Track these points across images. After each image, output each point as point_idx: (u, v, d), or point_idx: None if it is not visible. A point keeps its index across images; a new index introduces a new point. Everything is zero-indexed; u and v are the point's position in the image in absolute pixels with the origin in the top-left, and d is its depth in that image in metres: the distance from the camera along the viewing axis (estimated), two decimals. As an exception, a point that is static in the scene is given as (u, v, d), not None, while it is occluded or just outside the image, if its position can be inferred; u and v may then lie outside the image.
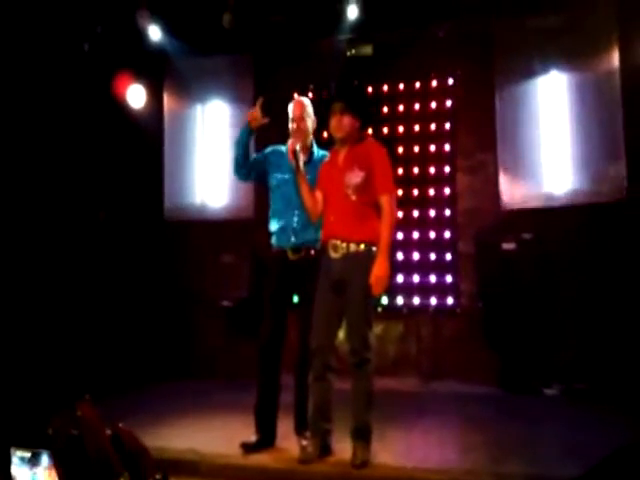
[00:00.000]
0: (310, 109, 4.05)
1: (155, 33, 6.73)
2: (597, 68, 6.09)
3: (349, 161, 3.67)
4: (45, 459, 0.90)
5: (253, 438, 3.82)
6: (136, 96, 7.05)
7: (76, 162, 6.39)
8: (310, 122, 4.02)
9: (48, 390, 4.62)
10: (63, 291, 5.94)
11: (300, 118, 3.97)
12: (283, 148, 3.94)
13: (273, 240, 3.99)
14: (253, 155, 4.10)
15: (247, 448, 3.74)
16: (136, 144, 7.05)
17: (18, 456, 1.05)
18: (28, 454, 0.96)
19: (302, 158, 3.71)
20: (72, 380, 4.99)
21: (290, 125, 3.99)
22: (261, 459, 3.67)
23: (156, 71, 7.41)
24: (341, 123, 3.69)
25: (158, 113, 7.48)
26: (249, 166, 4.02)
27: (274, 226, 3.99)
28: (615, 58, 5.98)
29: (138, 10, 6.45)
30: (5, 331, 5.13)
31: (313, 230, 3.87)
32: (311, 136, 4.04)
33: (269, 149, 4.10)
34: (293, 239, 3.88)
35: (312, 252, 3.89)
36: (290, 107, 4.05)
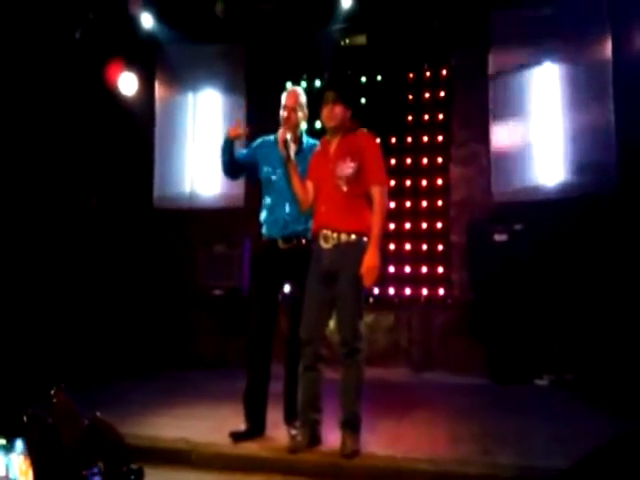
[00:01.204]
0: (303, 99, 4.02)
1: (147, 21, 6.69)
2: (590, 59, 6.09)
3: (341, 151, 3.65)
4: (20, 446, 0.89)
5: (242, 427, 3.82)
6: (128, 84, 7.02)
7: (68, 149, 6.36)
8: (301, 113, 3.99)
9: (24, 378, 4.60)
10: (49, 279, 5.92)
11: (292, 108, 3.95)
12: (272, 137, 3.93)
13: (263, 230, 3.98)
14: (242, 151, 4.11)
15: (236, 437, 3.74)
16: (127, 132, 7.02)
17: None
18: (3, 441, 0.95)
19: (293, 148, 3.69)
20: (48, 369, 4.96)
21: (281, 113, 3.97)
22: (251, 448, 3.67)
23: (148, 59, 7.37)
24: (333, 112, 3.67)
25: (149, 101, 7.45)
26: (237, 167, 4.09)
27: (265, 217, 3.98)
28: (608, 50, 5.99)
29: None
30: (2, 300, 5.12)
31: (304, 220, 3.87)
32: (302, 126, 4.02)
33: (258, 141, 4.08)
34: (283, 230, 3.87)
35: (303, 241, 3.88)
36: (283, 96, 4.02)
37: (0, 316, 5.23)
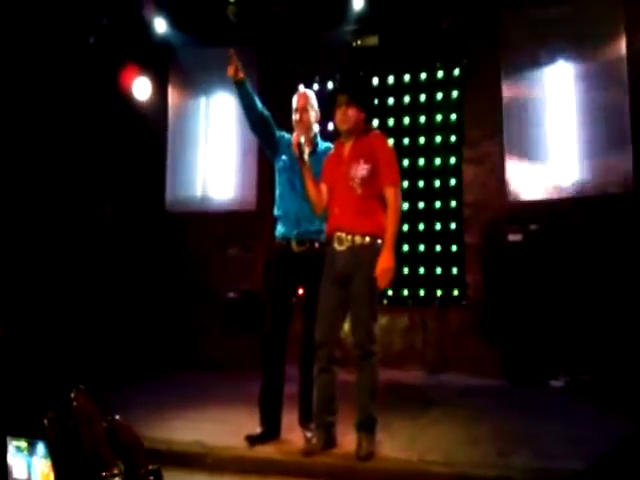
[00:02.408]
0: (314, 101, 4.03)
1: (160, 25, 6.74)
2: (604, 58, 6.04)
3: (354, 154, 3.65)
4: (41, 448, 0.90)
5: (258, 430, 3.83)
6: (141, 88, 7.07)
7: (82, 154, 6.40)
8: (313, 114, 4.00)
9: (44, 381, 4.64)
10: (66, 282, 5.97)
11: (303, 109, 3.95)
12: (287, 137, 3.94)
13: (277, 230, 3.98)
14: (265, 111, 3.97)
15: (252, 440, 3.75)
16: (140, 136, 7.06)
17: (14, 445, 1.06)
18: (24, 443, 0.96)
19: (307, 151, 3.69)
20: (68, 371, 5.01)
21: (293, 116, 3.98)
22: (266, 451, 3.68)
23: (161, 63, 7.42)
24: (346, 115, 3.67)
25: (162, 105, 7.49)
26: (263, 119, 3.92)
27: (278, 210, 3.99)
28: (622, 47, 5.94)
29: (143, 2, 6.45)
30: (4, 322, 5.16)
31: (318, 221, 3.87)
32: (315, 128, 4.03)
33: (282, 133, 4.07)
34: (296, 229, 3.87)
35: (317, 245, 3.88)
36: (294, 99, 4.03)
37: (18, 320, 5.28)
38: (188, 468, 3.50)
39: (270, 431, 3.85)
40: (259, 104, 3.90)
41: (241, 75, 3.78)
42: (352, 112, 3.67)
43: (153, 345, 6.65)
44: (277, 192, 4.03)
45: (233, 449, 3.71)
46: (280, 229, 3.96)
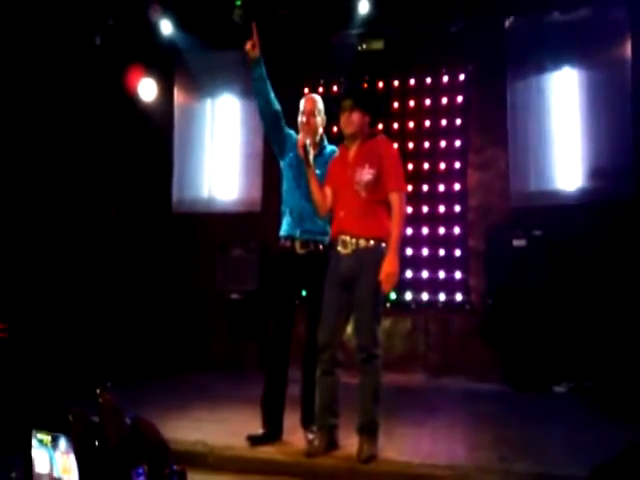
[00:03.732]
0: (321, 105, 4.05)
1: (166, 27, 6.76)
2: (608, 65, 6.05)
3: (359, 158, 3.66)
4: (64, 443, 0.91)
5: (260, 431, 3.84)
6: (147, 90, 7.09)
7: (88, 155, 6.42)
8: (320, 119, 4.02)
9: (70, 377, 4.67)
10: (77, 284, 6.00)
11: (310, 113, 3.97)
12: (295, 135, 3.96)
13: (282, 227, 3.99)
14: (277, 104, 3.96)
15: (254, 441, 3.76)
16: (146, 137, 7.08)
17: (38, 438, 1.07)
18: (48, 437, 0.97)
19: (312, 153, 3.71)
20: (94, 368, 5.05)
21: (299, 119, 4.00)
22: (268, 452, 3.68)
23: (167, 65, 7.44)
24: (351, 119, 3.69)
25: (168, 107, 7.51)
26: (272, 105, 3.91)
27: (284, 206, 4.01)
28: (627, 55, 5.95)
29: (150, 4, 6.47)
30: (29, 320, 5.20)
31: (321, 221, 3.88)
32: (321, 132, 4.04)
33: (291, 131, 4.07)
34: (299, 227, 3.88)
35: (321, 247, 3.90)
36: (301, 102, 4.05)
37: (41, 320, 5.33)
38: (190, 467, 3.48)
39: (272, 433, 3.85)
40: (272, 92, 3.91)
41: (257, 52, 3.81)
42: (356, 116, 3.69)
43: (157, 345, 6.66)
44: (283, 188, 4.06)
45: (235, 449, 3.71)
46: (284, 227, 3.97)
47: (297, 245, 3.90)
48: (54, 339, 5.48)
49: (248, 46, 3.81)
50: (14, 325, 5.09)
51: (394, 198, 3.58)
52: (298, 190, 3.91)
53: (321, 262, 3.76)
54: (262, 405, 3.91)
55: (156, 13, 6.63)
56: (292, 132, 4.06)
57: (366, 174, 3.59)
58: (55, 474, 0.93)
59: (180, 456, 3.54)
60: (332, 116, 4.05)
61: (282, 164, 4.08)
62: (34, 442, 1.11)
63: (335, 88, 6.98)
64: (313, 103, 4.01)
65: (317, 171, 3.77)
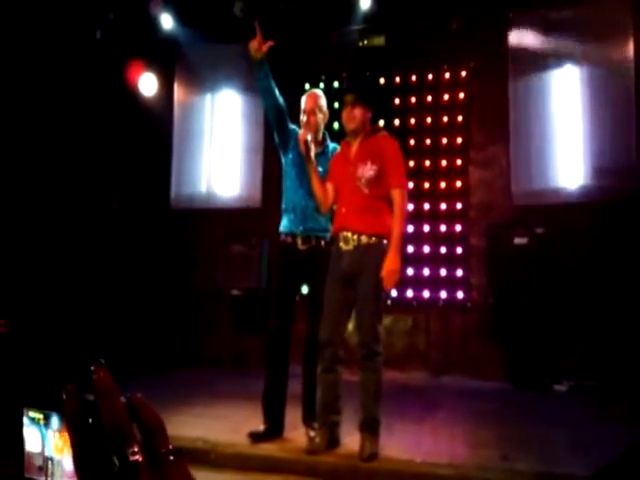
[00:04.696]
0: (323, 101, 4.02)
1: (167, 21, 6.73)
2: (611, 62, 6.02)
3: (361, 154, 3.65)
4: (55, 421, 0.88)
5: (261, 427, 3.82)
6: (147, 84, 7.06)
7: (88, 149, 6.40)
8: (322, 116, 3.99)
9: (63, 354, 4.65)
10: (78, 279, 5.99)
11: (312, 110, 3.95)
12: (298, 131, 3.94)
13: (282, 224, 3.96)
14: (281, 98, 3.91)
15: (255, 437, 3.75)
16: (146, 132, 7.05)
17: (29, 416, 1.05)
18: (39, 415, 0.95)
19: (313, 149, 3.68)
20: (87, 349, 5.04)
21: (301, 117, 3.98)
22: (269, 449, 3.67)
23: (167, 59, 7.40)
24: (352, 115, 3.67)
25: (169, 101, 7.48)
26: (277, 101, 3.87)
27: (285, 203, 3.98)
28: (630, 52, 5.91)
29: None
30: (29, 315, 5.19)
31: (323, 219, 3.86)
32: (322, 128, 4.01)
33: (294, 126, 4.04)
34: (302, 225, 3.86)
35: (322, 243, 3.88)
36: (303, 99, 4.03)
37: (27, 312, 5.32)
38: (191, 464, 3.45)
39: (274, 429, 3.84)
40: (276, 89, 3.87)
41: (263, 51, 3.73)
42: (358, 112, 3.67)
43: (158, 341, 6.65)
44: (285, 185, 4.02)
45: (236, 446, 3.71)
46: (286, 223, 3.95)
47: (299, 241, 3.88)
48: (54, 334, 5.46)
49: (255, 45, 3.71)
50: (14, 320, 5.08)
51: (396, 195, 3.56)
52: (301, 188, 3.88)
53: (322, 258, 3.74)
54: (263, 401, 3.90)
55: (156, 7, 6.61)
56: (295, 128, 4.03)
57: (368, 170, 3.58)
58: (47, 453, 0.91)
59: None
60: (334, 111, 4.02)
61: (284, 161, 4.05)
62: (25, 420, 1.09)
63: (336, 84, 6.94)
64: (314, 100, 3.98)
65: (320, 169, 3.75)
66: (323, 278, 3.67)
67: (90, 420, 0.71)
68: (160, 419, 0.73)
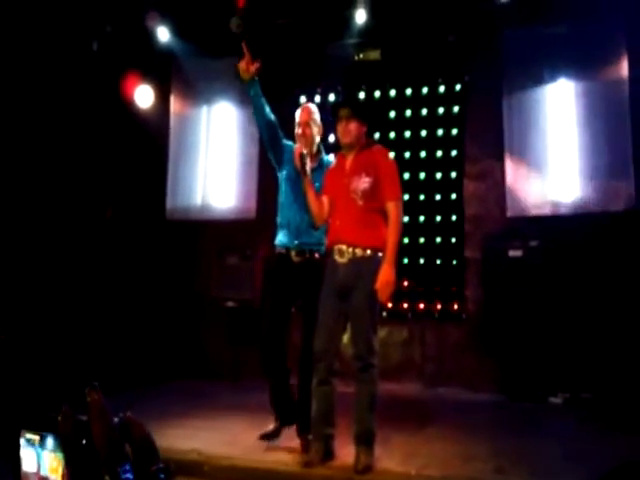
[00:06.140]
0: (317, 115, 4.05)
1: (163, 34, 6.76)
2: (605, 77, 6.06)
3: (356, 167, 3.67)
4: (51, 442, 0.90)
5: (270, 427, 3.84)
6: (143, 96, 7.08)
7: (84, 160, 6.41)
8: (316, 129, 4.01)
9: (59, 377, 4.64)
10: (70, 286, 5.98)
11: (306, 123, 3.97)
12: (292, 146, 3.97)
13: (277, 238, 3.98)
14: (272, 115, 3.93)
15: (267, 438, 3.79)
16: (142, 144, 7.07)
17: (26, 438, 1.06)
18: (36, 437, 0.96)
19: (309, 163, 3.70)
20: (82, 368, 5.02)
21: (296, 130, 4.00)
22: (264, 462, 3.67)
23: (164, 72, 7.43)
24: (347, 129, 3.70)
25: (165, 113, 7.49)
26: (269, 119, 3.88)
27: (280, 218, 3.99)
28: (624, 67, 5.96)
29: (147, 11, 6.48)
30: (18, 321, 5.18)
31: (317, 234, 3.88)
32: (317, 142, 4.04)
33: (288, 142, 4.07)
34: (296, 240, 3.88)
35: (316, 255, 3.89)
36: (297, 113, 4.05)
37: (22, 324, 5.31)
38: (185, 476, 3.48)
39: (285, 419, 3.87)
40: (267, 106, 3.89)
41: (253, 69, 3.74)
42: (353, 126, 3.70)
43: (152, 352, 6.62)
44: (280, 200, 4.04)
45: (230, 458, 3.71)
46: (281, 238, 3.97)
47: (293, 253, 3.90)
48: (50, 344, 5.45)
49: (242, 67, 3.73)
50: (11, 329, 5.07)
51: (391, 207, 3.59)
52: (295, 203, 3.90)
53: (317, 270, 3.75)
54: (272, 403, 3.91)
55: (153, 20, 6.63)
56: (289, 143, 4.05)
57: (362, 183, 3.60)
58: (42, 472, 0.93)
59: (175, 465, 3.55)
60: (329, 125, 4.05)
61: (279, 176, 4.07)
62: (22, 442, 1.10)
63: (332, 97, 6.98)
64: (308, 114, 4.01)
65: (316, 184, 3.76)
66: (317, 290, 3.68)
67: (83, 440, 0.73)
68: (151, 438, 0.74)
